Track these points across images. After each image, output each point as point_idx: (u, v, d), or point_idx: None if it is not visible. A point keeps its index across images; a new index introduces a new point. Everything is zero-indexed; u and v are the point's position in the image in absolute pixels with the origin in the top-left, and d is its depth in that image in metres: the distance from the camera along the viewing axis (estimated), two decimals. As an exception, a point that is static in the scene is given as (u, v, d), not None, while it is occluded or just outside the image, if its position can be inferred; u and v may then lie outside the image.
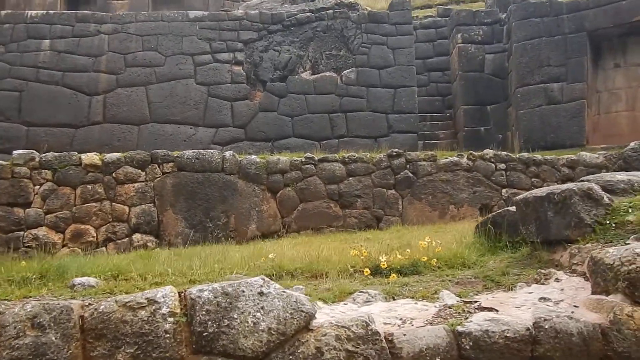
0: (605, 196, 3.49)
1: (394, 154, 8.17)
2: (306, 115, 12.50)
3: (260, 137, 12.35)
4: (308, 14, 13.44)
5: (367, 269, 3.73)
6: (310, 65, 13.05)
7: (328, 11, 13.44)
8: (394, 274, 3.68)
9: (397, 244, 4.79)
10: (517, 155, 8.52)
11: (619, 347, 2.60)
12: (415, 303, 3.16)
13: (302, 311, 2.56)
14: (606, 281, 2.86)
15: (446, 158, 8.36)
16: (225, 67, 12.69)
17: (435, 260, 3.85)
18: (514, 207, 4.12)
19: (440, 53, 14.97)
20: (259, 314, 2.51)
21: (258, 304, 2.53)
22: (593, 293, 2.94)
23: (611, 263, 2.84)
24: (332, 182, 7.90)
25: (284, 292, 2.60)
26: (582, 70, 10.67)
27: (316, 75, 12.84)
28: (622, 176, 3.80)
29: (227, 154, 7.77)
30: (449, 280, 3.58)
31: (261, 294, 2.56)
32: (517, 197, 4.03)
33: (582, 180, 3.90)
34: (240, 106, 12.46)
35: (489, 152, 8.49)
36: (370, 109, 12.63)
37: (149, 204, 7.37)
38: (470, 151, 8.59)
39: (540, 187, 8.64)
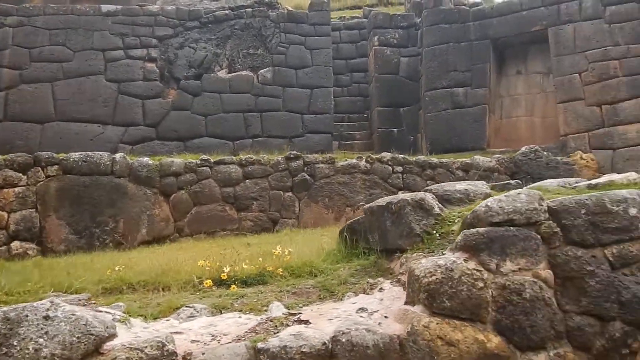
0: (436, 206, 3.60)
1: (292, 156, 8.18)
2: (220, 114, 12.32)
3: (172, 137, 12.05)
4: (226, 11, 13.25)
5: (209, 281, 3.68)
6: (227, 64, 12.87)
7: (247, 9, 13.30)
8: (235, 285, 3.65)
9: (263, 252, 4.76)
10: (414, 159, 8.74)
11: (413, 358, 2.68)
12: (240, 317, 3.14)
13: (91, 334, 2.47)
14: (414, 292, 2.95)
15: (345, 160, 8.45)
16: (138, 63, 12.30)
17: (281, 269, 3.85)
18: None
19: (363, 54, 15.14)
20: (41, 339, 2.39)
21: (42, 328, 2.42)
22: (405, 304, 3.02)
23: (418, 274, 2.93)
24: (228, 184, 7.81)
25: (74, 314, 2.50)
26: (485, 76, 11.08)
27: (232, 74, 12.68)
28: (461, 186, 3.94)
29: (118, 156, 7.51)
30: (288, 291, 3.58)
31: (47, 317, 2.45)
32: (366, 206, 4.10)
33: (426, 190, 4.01)
34: (152, 104, 12.11)
35: (386, 155, 8.65)
36: (286, 109, 12.61)
37: (30, 210, 7.01)
38: (369, 154, 8.74)
39: (436, 190, 8.94)
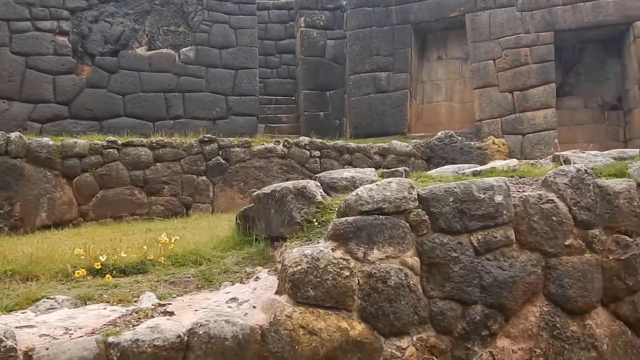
0: (319, 194, 3.59)
1: (206, 139, 7.99)
2: (139, 93, 11.83)
3: (87, 116, 11.47)
4: (146, -15, 12.65)
5: (82, 270, 3.50)
6: (147, 41, 12.34)
7: (168, -16, 12.76)
8: (110, 275, 3.50)
9: (156, 238, 4.61)
10: (332, 143, 8.76)
11: (274, 348, 2.66)
12: (104, 309, 3.01)
13: None
14: (283, 281, 2.92)
15: (262, 144, 8.35)
16: (48, 36, 11.54)
17: (163, 258, 3.73)
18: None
19: (292, 35, 14.91)
20: None
21: None
22: (275, 293, 2.99)
23: (286, 264, 2.90)
24: (137, 167, 7.53)
25: None
26: (406, 61, 11.23)
27: (152, 52, 12.17)
28: (348, 173, 3.95)
29: (13, 135, 7.04)
30: (166, 280, 3.48)
31: None
32: (255, 193, 4.03)
33: (316, 177, 3.99)
34: (64, 81, 11.44)
35: (304, 139, 8.62)
36: (210, 89, 12.29)
37: None
38: (286, 138, 8.67)
39: (352, 173, 9.03)
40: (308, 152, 8.53)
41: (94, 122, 11.46)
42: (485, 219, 3.18)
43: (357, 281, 2.89)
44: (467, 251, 3.12)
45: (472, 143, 9.71)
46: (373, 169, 4.23)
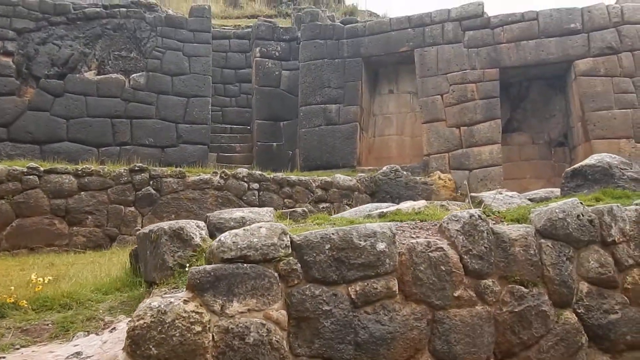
0: (198, 236, 3.32)
1: (137, 168, 7.67)
2: (85, 118, 11.49)
3: (26, 139, 11.06)
4: (98, 9, 12.44)
5: None
6: (97, 65, 12.07)
7: (121, 9, 12.57)
8: (-44, 323, 3.14)
9: (46, 274, 4.25)
10: (272, 176, 8.52)
11: (102, 416, 2.35)
12: None
13: None
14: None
15: (197, 175, 8.06)
16: (-9, 57, 11.19)
17: (25, 301, 3.39)
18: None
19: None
20: None
21: None
22: (122, 349, 2.68)
23: (132, 316, 2.61)
24: (59, 196, 7.15)
25: None
26: (356, 93, 11.16)
27: (101, 76, 11.89)
28: (239, 214, 3.70)
29: None
30: (19, 328, 3.15)
31: None
32: (139, 231, 3.74)
33: (207, 217, 3.73)
34: (4, 102, 11.06)
35: (242, 170, 8.37)
36: (160, 116, 12.01)
37: None
38: (223, 169, 8.40)
39: (292, 208, 8.78)
40: (246, 185, 8.26)
41: (34, 146, 11.06)
42: (366, 268, 2.95)
43: (211, 337, 2.61)
44: (342, 304, 2.87)
45: (418, 178, 9.59)
46: (271, 209, 3.98)
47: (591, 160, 4.83)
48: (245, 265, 2.76)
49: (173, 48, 12.46)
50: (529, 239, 3.36)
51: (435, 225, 3.52)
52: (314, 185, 8.77)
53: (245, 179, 8.28)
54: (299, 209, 3.92)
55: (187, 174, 7.99)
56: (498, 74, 10.22)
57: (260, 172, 8.52)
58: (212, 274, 2.69)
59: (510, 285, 3.27)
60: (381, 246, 3.01)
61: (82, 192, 7.30)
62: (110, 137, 11.59)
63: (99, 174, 7.43)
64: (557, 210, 3.47)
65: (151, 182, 7.68)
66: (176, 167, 9.24)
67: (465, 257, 3.19)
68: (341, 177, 9.03)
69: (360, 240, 2.98)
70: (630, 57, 9.74)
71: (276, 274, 2.81)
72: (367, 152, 11.53)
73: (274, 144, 12.87)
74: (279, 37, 13.37)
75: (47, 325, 3.21)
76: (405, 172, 9.50)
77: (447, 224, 3.30)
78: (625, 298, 3.49)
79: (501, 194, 4.76)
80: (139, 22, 12.48)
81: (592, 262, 3.46)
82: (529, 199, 4.81)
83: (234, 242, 2.78)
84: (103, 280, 4.15)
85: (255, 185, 8.33)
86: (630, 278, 3.52)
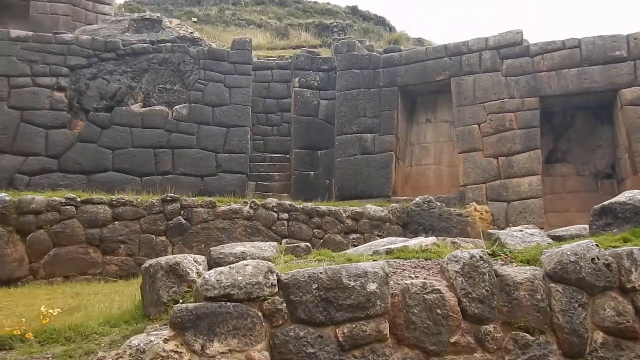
0: (194, 272, 3.34)
1: (168, 198, 7.87)
2: (130, 149, 11.97)
3: (75, 169, 11.62)
4: (145, 44, 13.07)
5: None
6: (142, 98, 12.61)
7: (167, 44, 13.16)
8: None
9: (64, 305, 4.39)
10: (301, 206, 8.52)
11: None
12: None
13: None
14: (110, 374, 2.64)
15: (228, 205, 8.18)
16: (45, 92, 11.93)
17: (31, 333, 3.49)
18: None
19: (292, 94, 15.09)
20: None
21: None
22: (106, 386, 2.70)
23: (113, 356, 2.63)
24: (94, 225, 7.42)
25: None
26: (392, 123, 11.08)
27: (146, 109, 12.40)
28: (240, 248, 3.70)
29: (-31, 190, 7.07)
30: (19, 361, 3.22)
31: None
32: (144, 265, 3.81)
33: (210, 251, 3.75)
34: (56, 135, 11.70)
35: (272, 201, 8.42)
36: (200, 146, 12.35)
37: None
38: (253, 199, 8.49)
39: (321, 238, 8.72)
40: (275, 215, 8.30)
41: (82, 176, 11.59)
42: (355, 309, 2.87)
43: (190, 378, 2.59)
44: (329, 347, 2.79)
45: (452, 209, 9.33)
46: (275, 244, 3.97)
47: (622, 197, 4.54)
48: (228, 304, 2.74)
49: (215, 80, 12.86)
50: (535, 283, 3.17)
51: (438, 264, 3.39)
52: (344, 215, 8.69)
53: (275, 209, 8.32)
54: (302, 244, 3.88)
55: (218, 203, 8.12)
56: (538, 102, 9.90)
57: (290, 202, 8.55)
58: (193, 312, 2.69)
59: (514, 332, 3.09)
60: (372, 287, 2.92)
61: (116, 222, 7.55)
62: (153, 167, 11.99)
63: (132, 204, 7.67)
64: (568, 253, 3.27)
65: (182, 212, 7.85)
66: (215, 196, 9.45)
67: (464, 300, 3.05)
68: (372, 208, 8.91)
69: (350, 280, 2.90)
70: (680, 84, 9.22)
71: (260, 314, 2.77)
72: (403, 182, 11.37)
73: (311, 172, 12.93)
74: (318, 67, 13.55)
75: (48, 358, 3.29)
76: (439, 204, 9.27)
77: (447, 264, 3.18)
78: (647, 349, 3.21)
79: (521, 231, 4.55)
80: (183, 56, 13.00)
81: (608, 309, 3.21)
82: (555, 237, 4.57)
83: (217, 281, 2.77)
84: (114, 312, 4.22)
85: (285, 215, 8.35)
86: (653, 327, 3.24)
